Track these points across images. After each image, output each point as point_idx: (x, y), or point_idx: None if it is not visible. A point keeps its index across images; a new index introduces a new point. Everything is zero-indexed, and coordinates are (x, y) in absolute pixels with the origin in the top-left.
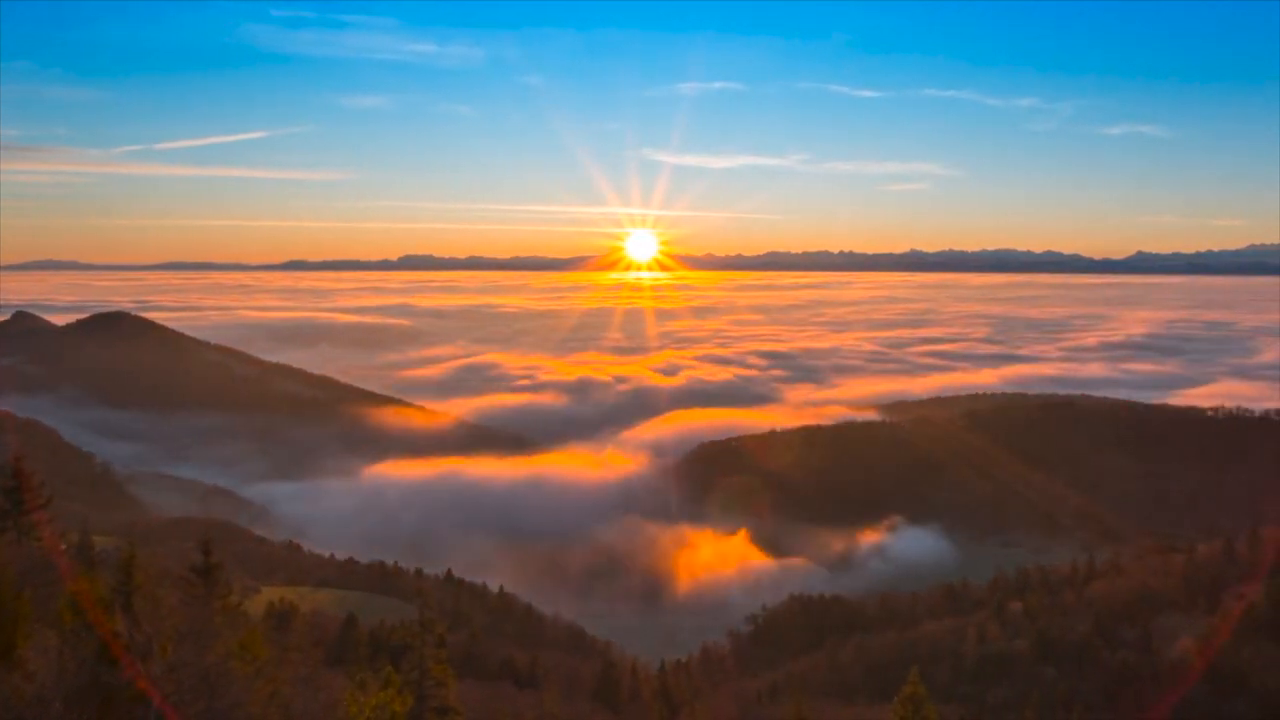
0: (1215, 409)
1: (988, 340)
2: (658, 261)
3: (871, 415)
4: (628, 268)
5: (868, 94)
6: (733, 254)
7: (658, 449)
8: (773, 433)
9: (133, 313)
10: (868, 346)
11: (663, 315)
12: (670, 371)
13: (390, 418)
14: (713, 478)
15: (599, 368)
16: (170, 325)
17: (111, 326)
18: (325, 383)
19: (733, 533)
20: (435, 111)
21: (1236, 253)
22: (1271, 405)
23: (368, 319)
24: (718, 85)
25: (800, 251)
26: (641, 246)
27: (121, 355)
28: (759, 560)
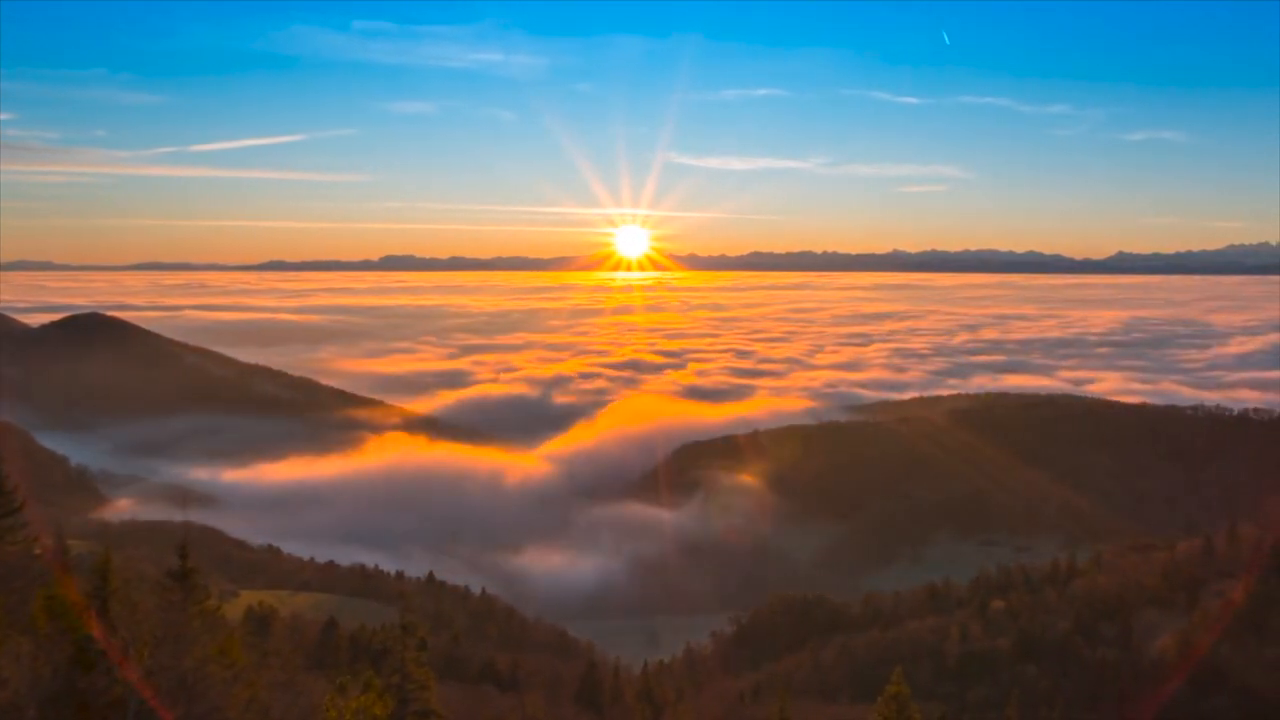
0: (1194, 408)
1: (961, 344)
2: (642, 262)
3: (855, 415)
4: (615, 266)
5: (909, 100)
6: (716, 254)
7: (638, 448)
8: (756, 432)
9: (105, 313)
10: (845, 347)
11: (624, 314)
12: (634, 369)
13: (374, 421)
14: (698, 477)
15: (550, 366)
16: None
17: (85, 327)
18: (305, 385)
19: (717, 532)
20: (476, 117)
21: (1216, 253)
22: (1250, 404)
23: (299, 318)
24: (762, 91)
25: (784, 252)
26: (628, 247)
27: (96, 356)
28: (745, 559)
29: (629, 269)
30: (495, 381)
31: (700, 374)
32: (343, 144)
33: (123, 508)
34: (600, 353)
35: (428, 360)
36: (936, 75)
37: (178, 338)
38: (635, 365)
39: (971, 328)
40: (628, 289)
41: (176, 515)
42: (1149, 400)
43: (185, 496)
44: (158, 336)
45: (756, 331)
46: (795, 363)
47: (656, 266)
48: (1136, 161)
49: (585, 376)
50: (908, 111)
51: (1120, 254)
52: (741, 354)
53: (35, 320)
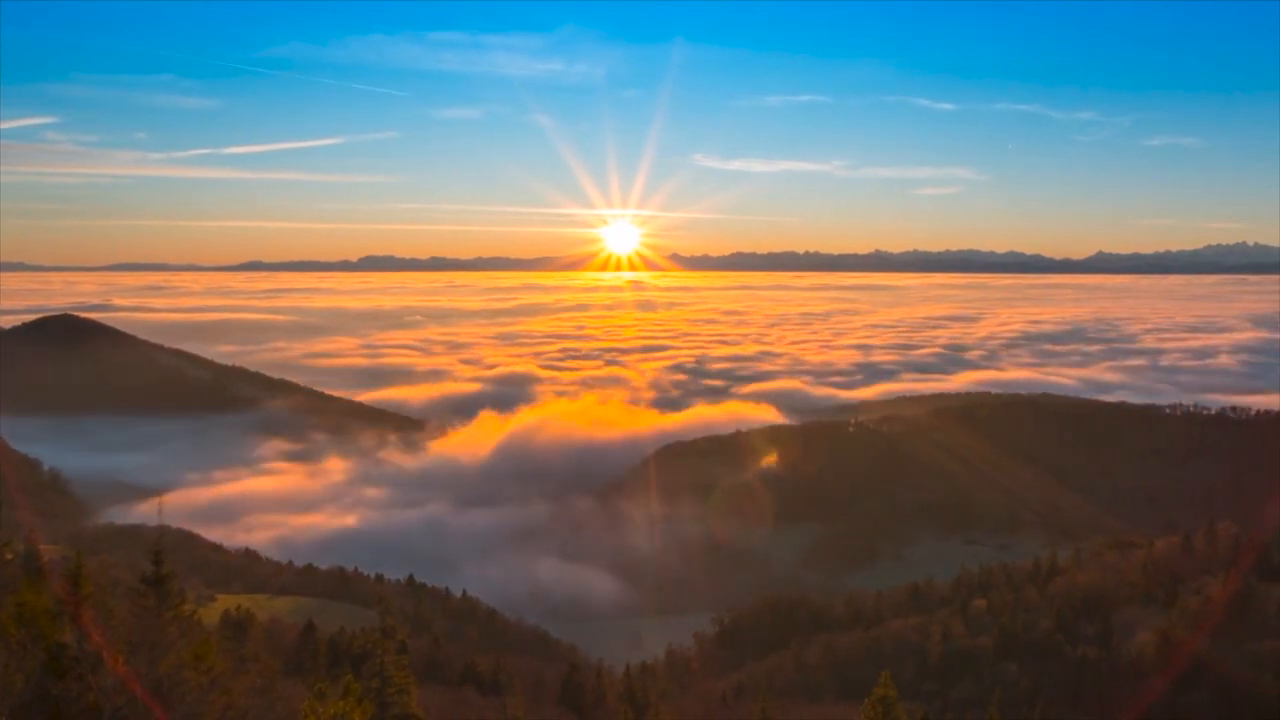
0: (1173, 406)
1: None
2: (632, 259)
3: (837, 415)
4: (602, 266)
5: (946, 106)
6: (699, 254)
7: (618, 449)
8: (739, 433)
9: (78, 314)
10: (829, 347)
11: (598, 312)
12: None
13: (352, 421)
14: (680, 478)
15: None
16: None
17: (58, 328)
18: (284, 386)
19: (699, 532)
20: (515, 121)
21: (1195, 252)
22: (1227, 403)
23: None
24: (804, 97)
25: (766, 252)
26: (612, 247)
27: (69, 358)
28: (728, 560)
29: (617, 268)
30: (465, 380)
31: (681, 374)
32: (378, 147)
33: (98, 511)
34: (581, 352)
35: (393, 361)
36: (974, 82)
37: (147, 338)
38: (614, 365)
39: (952, 328)
40: (616, 288)
41: (151, 519)
42: (1128, 399)
43: (162, 499)
44: (132, 338)
45: (738, 332)
46: (780, 362)
47: (649, 265)
48: (1151, 166)
49: (564, 374)
50: (941, 117)
51: (1100, 254)
52: (724, 355)
53: (6, 322)
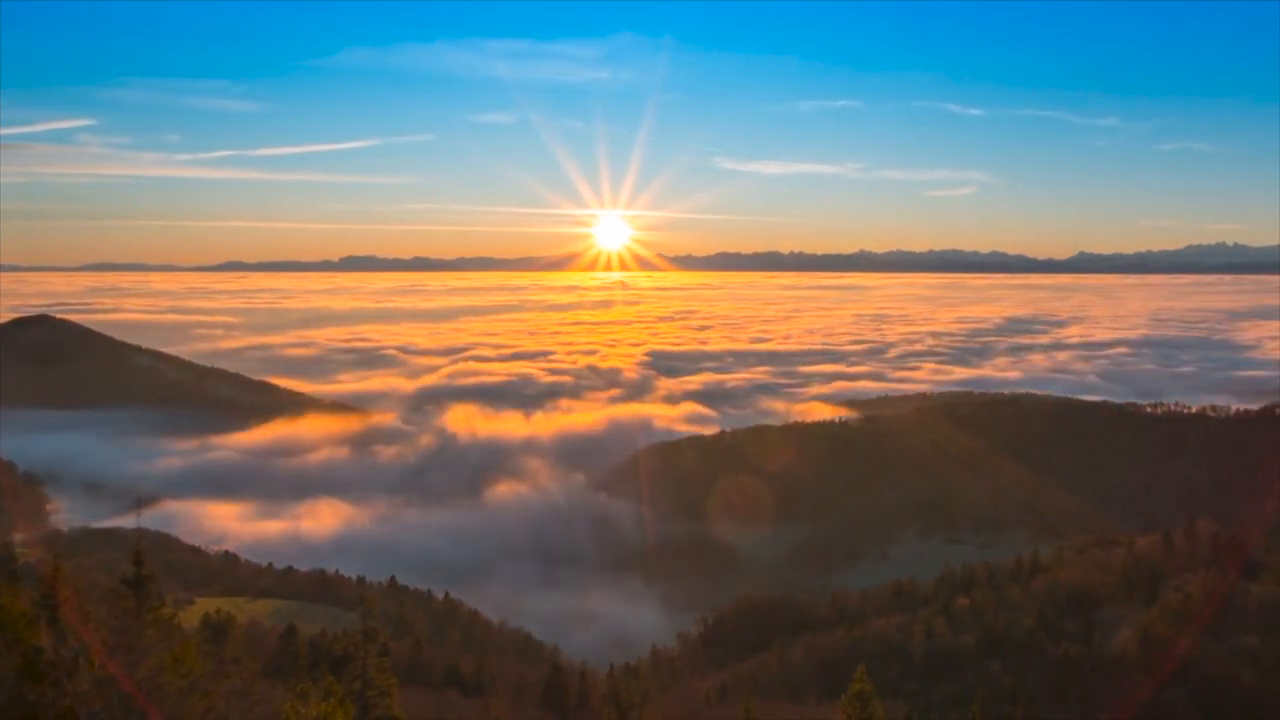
0: (1154, 405)
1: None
2: (624, 257)
3: (820, 415)
4: (590, 266)
5: (975, 112)
6: (683, 254)
7: (604, 450)
8: (722, 433)
9: (55, 315)
10: (813, 347)
11: (580, 312)
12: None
13: (335, 423)
14: (664, 479)
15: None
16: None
17: (35, 329)
18: (263, 388)
19: (683, 532)
20: (548, 126)
21: (1175, 253)
22: (1208, 401)
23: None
24: (840, 103)
25: (751, 253)
26: (597, 246)
27: (47, 359)
28: (712, 560)
29: (606, 267)
30: (429, 380)
31: (669, 375)
32: (411, 150)
33: (74, 514)
34: (561, 352)
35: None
36: (1006, 88)
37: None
38: (594, 365)
39: (939, 328)
40: (594, 287)
41: (128, 522)
42: (1110, 398)
43: (140, 501)
44: (109, 339)
45: (721, 331)
46: (764, 362)
47: (640, 264)
48: (1157, 170)
49: (532, 373)
50: (968, 122)
51: (1082, 254)
52: (708, 352)
53: None
